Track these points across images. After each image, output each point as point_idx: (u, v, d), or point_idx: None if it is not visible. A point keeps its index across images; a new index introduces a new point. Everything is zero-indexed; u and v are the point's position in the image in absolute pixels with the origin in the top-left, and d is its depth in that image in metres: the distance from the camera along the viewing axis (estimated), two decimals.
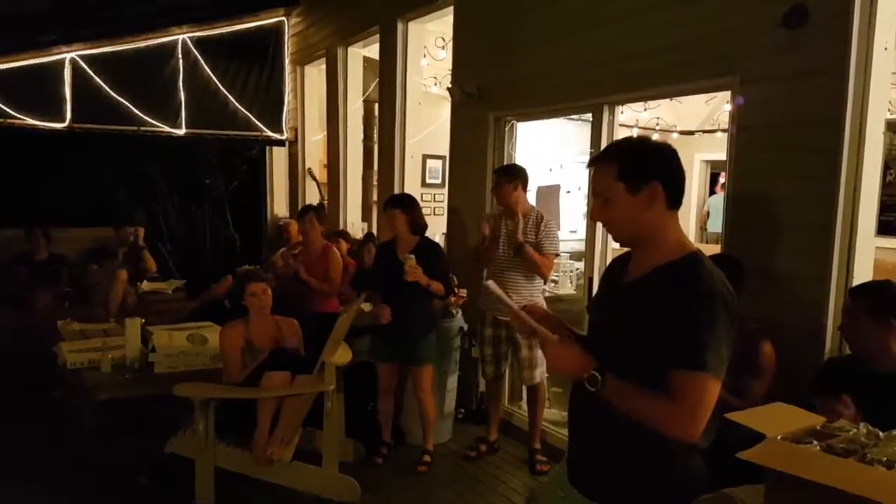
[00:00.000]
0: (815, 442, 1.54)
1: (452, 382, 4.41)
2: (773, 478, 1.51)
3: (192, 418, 3.33)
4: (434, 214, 6.34)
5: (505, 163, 4.65)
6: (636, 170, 1.53)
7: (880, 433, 1.55)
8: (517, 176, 3.92)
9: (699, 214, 8.00)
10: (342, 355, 3.62)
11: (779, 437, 1.56)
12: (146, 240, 6.30)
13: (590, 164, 1.65)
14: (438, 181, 6.57)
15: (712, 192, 8.26)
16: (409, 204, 3.95)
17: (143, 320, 4.04)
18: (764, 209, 2.94)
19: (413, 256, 3.72)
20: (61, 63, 6.57)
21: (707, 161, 7.91)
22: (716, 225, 7.20)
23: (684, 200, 1.61)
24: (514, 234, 3.83)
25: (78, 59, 6.62)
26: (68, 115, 6.61)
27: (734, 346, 1.47)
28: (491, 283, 1.74)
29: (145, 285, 5.72)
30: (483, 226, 3.92)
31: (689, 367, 1.40)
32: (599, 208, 1.59)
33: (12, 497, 3.37)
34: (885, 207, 2.69)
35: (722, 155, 3.19)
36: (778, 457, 1.48)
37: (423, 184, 6.35)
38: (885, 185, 2.71)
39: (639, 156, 1.56)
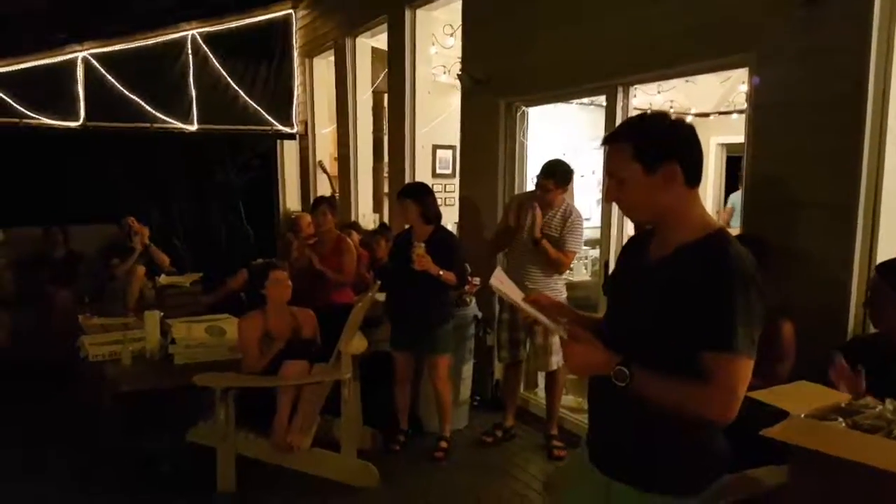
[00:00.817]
0: (841, 419, 1.53)
1: (467, 370, 4.42)
2: (797, 455, 1.50)
3: (213, 408, 3.36)
4: (445, 205, 6.31)
5: (517, 150, 4.64)
6: (652, 150, 1.49)
7: None
8: (569, 180, 3.89)
9: (719, 209, 7.84)
10: (358, 344, 3.63)
11: (803, 415, 1.55)
12: (159, 236, 6.35)
13: (604, 143, 1.62)
14: (449, 171, 6.53)
15: (729, 178, 8.09)
16: (420, 194, 3.95)
17: (162, 314, 4.08)
18: (784, 189, 2.89)
19: (422, 245, 3.72)
20: (74, 62, 6.62)
21: (723, 144, 7.78)
22: (739, 222, 7.01)
23: (702, 184, 1.58)
24: (542, 226, 3.82)
25: (90, 57, 6.66)
26: (82, 114, 6.66)
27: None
28: (494, 281, 1.69)
29: (163, 279, 5.76)
30: (536, 215, 3.81)
31: (723, 349, 1.37)
32: (614, 189, 1.55)
33: (36, 489, 3.42)
34: None
35: (738, 138, 3.14)
36: (802, 433, 1.47)
37: (434, 174, 6.32)
38: None
39: (655, 135, 1.52)
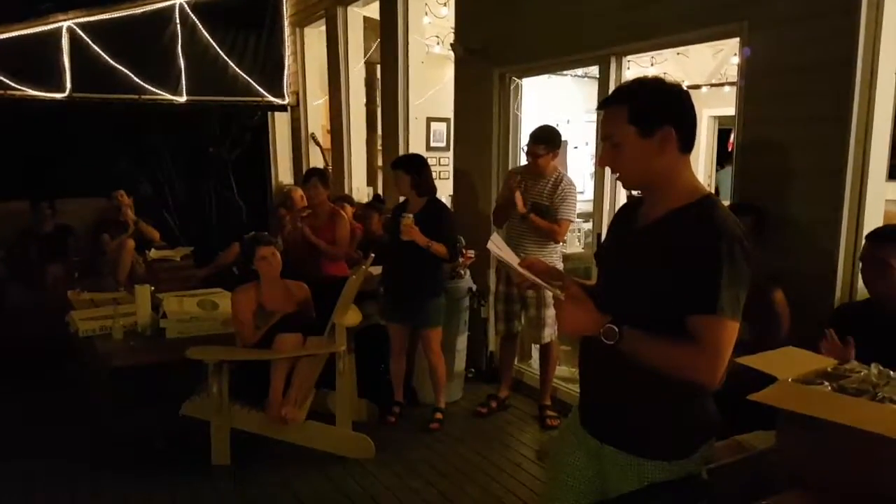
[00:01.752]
0: (827, 383, 1.55)
1: (462, 342, 4.44)
2: (784, 418, 1.52)
3: (207, 382, 3.37)
4: (440, 178, 6.27)
5: (510, 122, 4.60)
6: (649, 113, 1.49)
7: (892, 373, 1.55)
8: (558, 145, 3.85)
9: (710, 181, 7.82)
10: (352, 317, 3.64)
11: (790, 380, 1.57)
12: (149, 209, 6.31)
13: (600, 106, 1.61)
14: (443, 144, 6.48)
15: (720, 152, 8.07)
16: (413, 165, 3.93)
17: (153, 288, 4.06)
18: (773, 156, 2.90)
19: (410, 216, 3.71)
20: (58, 32, 6.47)
21: (715, 117, 7.75)
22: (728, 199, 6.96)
23: (694, 157, 1.58)
24: (532, 194, 3.83)
25: (75, 27, 6.52)
26: (68, 85, 6.53)
27: (749, 289, 1.45)
28: (491, 245, 1.70)
29: (153, 253, 5.74)
30: (514, 190, 3.79)
31: (707, 311, 1.38)
32: (609, 153, 1.55)
33: (28, 466, 3.43)
34: None
35: (730, 110, 3.14)
36: (789, 397, 1.49)
37: (428, 147, 6.26)
38: None
39: (651, 98, 1.52)
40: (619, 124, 1.51)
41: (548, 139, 3.82)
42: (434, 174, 4.18)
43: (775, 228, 2.78)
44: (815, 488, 1.44)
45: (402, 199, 4.05)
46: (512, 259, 1.69)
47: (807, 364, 1.64)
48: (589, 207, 4.44)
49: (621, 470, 1.55)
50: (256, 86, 7.27)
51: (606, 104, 1.56)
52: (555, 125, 4.00)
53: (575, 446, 1.68)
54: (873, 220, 2.62)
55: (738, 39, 3.07)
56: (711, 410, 1.57)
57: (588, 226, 5.44)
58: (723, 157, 7.90)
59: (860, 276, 2.41)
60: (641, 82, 1.58)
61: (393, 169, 3.96)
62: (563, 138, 3.97)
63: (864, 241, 2.42)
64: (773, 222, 2.78)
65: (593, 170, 4.88)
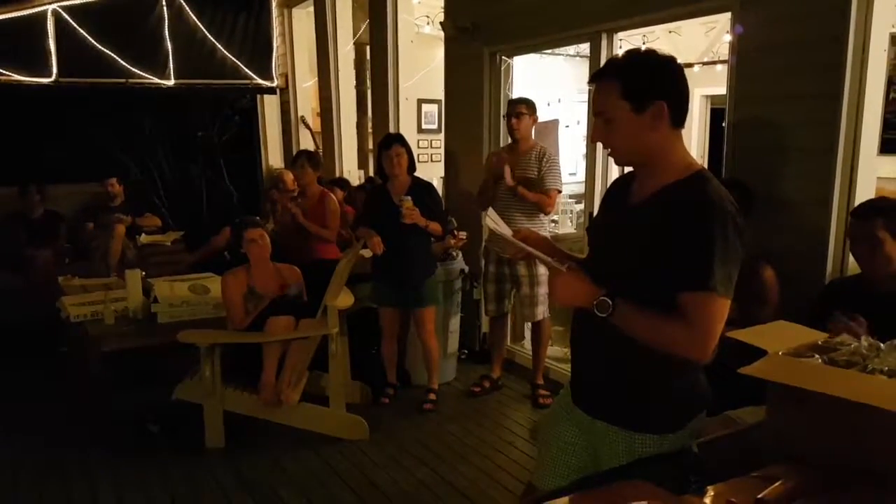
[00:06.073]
0: (817, 356, 1.55)
1: (455, 324, 4.45)
2: (774, 391, 1.53)
3: (199, 365, 3.36)
4: (431, 161, 6.25)
5: (502, 102, 4.58)
6: (641, 88, 1.46)
7: (881, 345, 1.55)
8: (535, 108, 3.92)
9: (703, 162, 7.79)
10: (344, 299, 3.63)
11: (780, 353, 1.57)
12: (139, 194, 6.27)
13: (591, 80, 1.59)
14: (435, 126, 6.45)
15: (714, 132, 8.04)
16: (406, 142, 3.93)
17: (144, 272, 4.04)
18: (765, 134, 2.90)
19: (409, 198, 3.69)
20: (43, 15, 6.37)
21: (707, 96, 7.72)
22: None
23: (686, 137, 1.57)
24: (518, 170, 3.82)
25: (60, 10, 6.41)
26: (54, 70, 6.44)
27: (740, 266, 1.45)
28: (488, 220, 1.73)
29: (144, 238, 5.71)
30: (504, 161, 3.81)
31: (698, 288, 1.38)
32: (601, 129, 1.53)
33: (24, 450, 3.43)
34: (888, 125, 2.64)
35: (723, 89, 3.14)
36: (779, 370, 1.49)
37: (420, 129, 6.23)
38: (889, 103, 2.65)
39: (643, 73, 1.49)
40: (611, 100, 1.49)
41: (527, 102, 3.88)
42: (427, 157, 4.15)
43: (767, 205, 2.77)
44: (804, 460, 1.45)
45: (374, 179, 3.99)
46: (508, 233, 1.71)
47: (797, 337, 1.64)
48: (581, 189, 4.43)
49: (612, 444, 1.56)
50: (245, 68, 7.19)
51: (598, 78, 1.54)
52: (546, 105, 3.99)
53: (566, 421, 1.69)
54: (865, 196, 2.61)
55: (729, 16, 3.04)
56: (702, 384, 1.58)
57: (580, 206, 5.43)
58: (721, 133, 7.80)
59: (850, 252, 2.41)
60: (633, 55, 1.56)
61: (397, 145, 3.82)
62: (554, 117, 3.96)
63: (849, 218, 2.41)
64: (765, 199, 2.78)
65: (585, 150, 4.88)
